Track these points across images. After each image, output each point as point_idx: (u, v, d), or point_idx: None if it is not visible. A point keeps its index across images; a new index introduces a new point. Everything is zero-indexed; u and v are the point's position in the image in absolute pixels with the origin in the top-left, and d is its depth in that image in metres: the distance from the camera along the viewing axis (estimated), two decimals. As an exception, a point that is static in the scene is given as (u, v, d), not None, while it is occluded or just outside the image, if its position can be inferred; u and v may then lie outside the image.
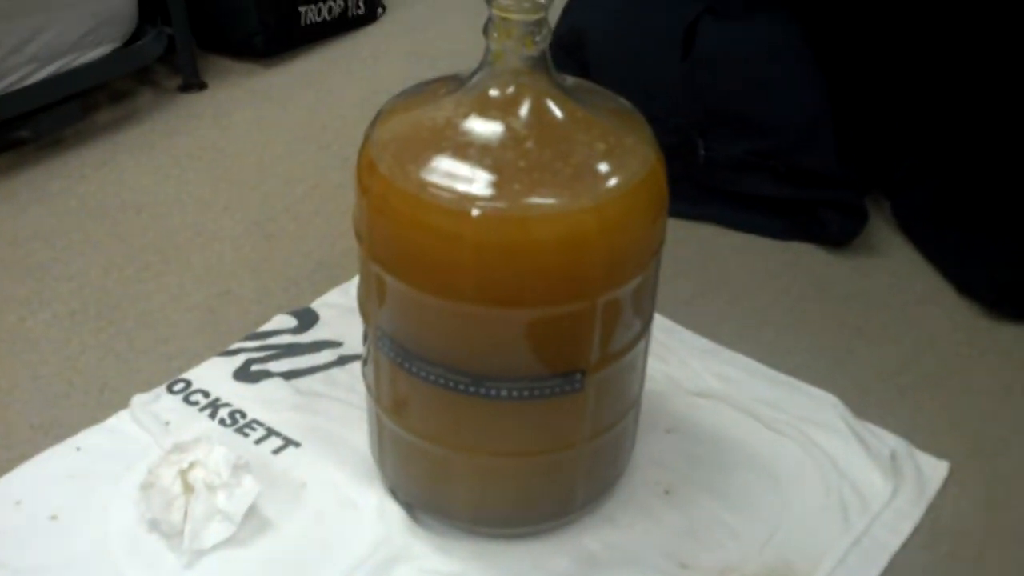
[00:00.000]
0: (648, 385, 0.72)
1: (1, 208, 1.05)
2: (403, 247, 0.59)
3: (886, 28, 1.11)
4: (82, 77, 1.15)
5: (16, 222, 1.03)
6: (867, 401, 0.82)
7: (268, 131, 1.21)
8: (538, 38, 0.57)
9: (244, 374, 0.82)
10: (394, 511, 0.70)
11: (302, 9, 1.37)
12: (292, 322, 0.89)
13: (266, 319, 0.89)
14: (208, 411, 0.79)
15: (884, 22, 1.12)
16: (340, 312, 0.90)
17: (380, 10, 1.51)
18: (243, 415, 0.78)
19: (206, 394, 0.80)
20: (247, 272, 0.96)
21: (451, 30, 1.47)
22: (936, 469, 0.76)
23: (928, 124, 1.08)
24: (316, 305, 0.91)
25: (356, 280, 0.91)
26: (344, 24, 1.44)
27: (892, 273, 0.98)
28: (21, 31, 1.06)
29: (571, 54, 1.10)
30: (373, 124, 0.63)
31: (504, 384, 0.60)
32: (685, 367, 0.84)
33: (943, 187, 1.03)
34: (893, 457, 0.76)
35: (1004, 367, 0.87)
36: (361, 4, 1.45)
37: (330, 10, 1.41)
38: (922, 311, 0.94)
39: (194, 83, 1.29)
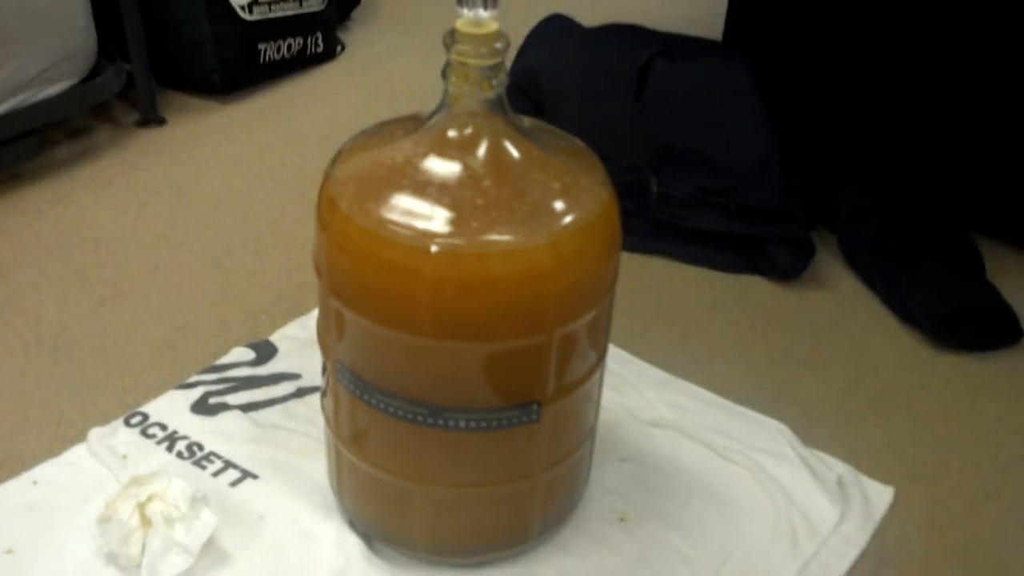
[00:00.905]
0: (603, 415, 0.73)
1: (-44, 243, 1.04)
2: (362, 282, 0.61)
3: (832, 69, 1.15)
4: (41, 112, 1.15)
5: (-28, 257, 1.02)
6: (814, 428, 0.84)
7: (226, 167, 1.22)
8: (495, 82, 0.59)
9: (202, 407, 0.83)
10: (353, 542, 0.71)
11: (261, 47, 1.39)
12: (250, 355, 0.89)
13: (224, 352, 0.89)
14: (166, 444, 0.79)
15: (830, 64, 1.16)
16: (298, 345, 0.90)
17: (339, 48, 1.53)
18: (200, 447, 0.79)
19: (163, 427, 0.81)
20: (205, 305, 0.97)
21: (408, 68, 1.49)
22: (882, 495, 0.78)
23: (872, 161, 1.12)
24: (274, 338, 0.92)
25: (314, 313, 0.92)
26: (303, 61, 1.46)
27: (838, 305, 1.02)
28: (-21, 66, 1.07)
29: (526, 94, 1.13)
30: (333, 162, 0.64)
31: (462, 415, 0.62)
32: (640, 397, 0.86)
33: (886, 222, 1.07)
34: (840, 483, 0.78)
35: (945, 394, 0.90)
36: (320, 42, 1.47)
37: (289, 48, 1.42)
38: (866, 340, 0.97)
39: (152, 119, 1.30)
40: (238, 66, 1.37)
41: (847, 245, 1.08)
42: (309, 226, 0.65)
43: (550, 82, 1.12)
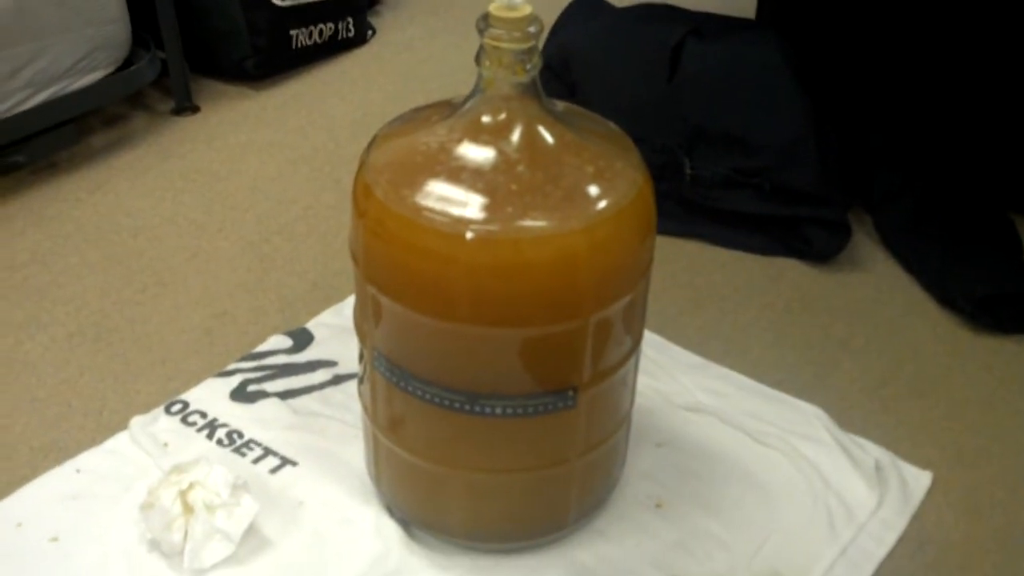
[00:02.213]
0: (639, 401, 0.73)
1: (-3, 232, 1.06)
2: (398, 269, 0.61)
3: (867, 49, 1.13)
4: (77, 102, 1.16)
5: (13, 246, 1.04)
6: (852, 413, 0.83)
7: (261, 153, 1.23)
8: (529, 66, 0.59)
9: (241, 394, 0.84)
10: (391, 528, 0.71)
11: (293, 32, 1.39)
12: (287, 342, 0.90)
13: (261, 339, 0.90)
14: (206, 431, 0.80)
15: (865, 43, 1.14)
16: (334, 332, 0.91)
17: (370, 33, 1.53)
18: (240, 435, 0.80)
19: (203, 415, 0.82)
20: (242, 293, 0.98)
21: (439, 53, 1.49)
22: (920, 479, 0.78)
23: (908, 140, 1.11)
24: (311, 325, 0.92)
25: (350, 300, 0.93)
26: (335, 47, 1.46)
27: (875, 287, 1.00)
28: (16, 58, 1.08)
29: (558, 76, 1.12)
30: (368, 149, 0.64)
31: (498, 402, 0.62)
32: (675, 382, 0.86)
33: (923, 203, 1.06)
34: (878, 468, 0.78)
35: (985, 378, 0.89)
36: (351, 27, 1.47)
37: (321, 33, 1.43)
38: (904, 324, 0.96)
39: (187, 106, 1.31)
40: (271, 52, 1.38)
41: (884, 226, 1.07)
42: (343, 213, 0.65)
43: (582, 63, 1.12)
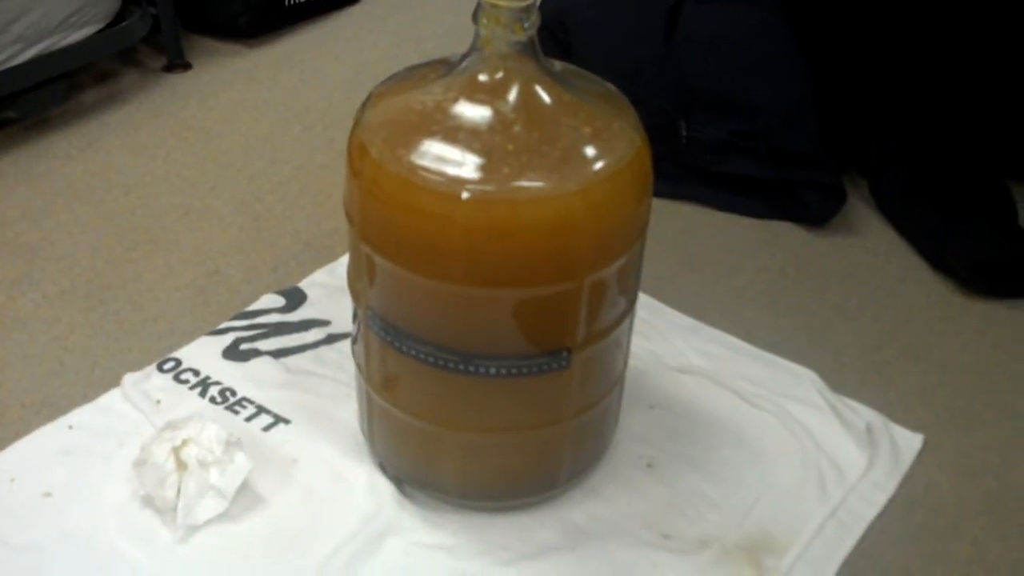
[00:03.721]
0: (632, 362, 0.73)
1: (-12, 189, 1.05)
2: (393, 229, 0.60)
3: (867, 13, 1.12)
4: (67, 58, 1.15)
5: (4, 203, 1.03)
6: (845, 376, 0.84)
7: (253, 111, 1.22)
8: (527, 24, 0.58)
9: (234, 352, 0.84)
10: (384, 486, 0.72)
11: (286, -11, 1.38)
12: (280, 301, 0.90)
13: (254, 298, 0.90)
14: (199, 389, 0.80)
15: (865, 8, 1.13)
16: (327, 291, 0.91)
17: (364, -10, 1.51)
18: (233, 393, 0.80)
19: (196, 372, 0.81)
20: (235, 252, 0.97)
21: (435, 12, 1.47)
22: (911, 441, 0.78)
23: (905, 105, 1.10)
24: (303, 284, 0.92)
25: (342, 260, 0.93)
26: (328, 4, 1.44)
27: (870, 251, 1.00)
28: (7, 12, 1.06)
29: (554, 35, 1.11)
30: (363, 107, 0.63)
31: (492, 362, 0.62)
32: (668, 344, 0.86)
33: (919, 168, 1.05)
34: (869, 430, 0.78)
35: (978, 342, 0.89)
36: (345, -16, 1.45)
37: (314, -10, 1.41)
38: (898, 288, 0.96)
39: (179, 63, 1.29)
40: (264, 9, 1.36)
41: (880, 191, 1.07)
42: (336, 173, 0.65)
43: (578, 22, 1.11)
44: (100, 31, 1.17)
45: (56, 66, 1.14)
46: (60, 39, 1.13)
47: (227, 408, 0.78)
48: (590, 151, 0.60)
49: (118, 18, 1.20)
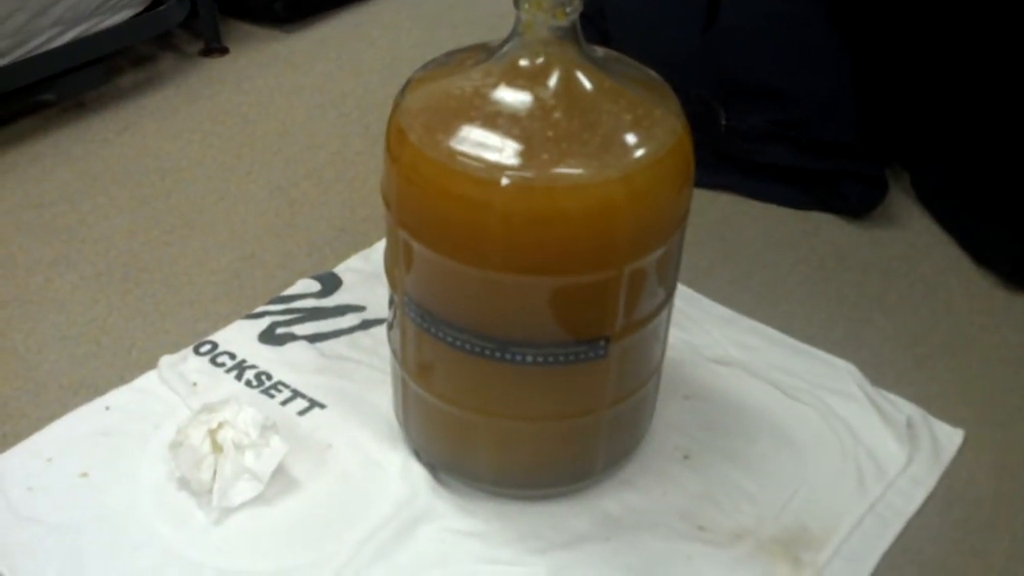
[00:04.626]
0: (669, 352, 0.73)
1: (27, 171, 1.06)
2: (431, 215, 0.60)
3: (911, 3, 1.10)
4: (105, 41, 1.15)
5: (42, 185, 1.04)
6: (884, 370, 0.83)
7: (289, 97, 1.22)
8: (569, 9, 0.58)
9: (269, 337, 0.84)
10: (418, 472, 0.72)
11: (323, -26, 1.37)
12: (316, 286, 0.90)
13: (290, 283, 0.90)
14: (234, 372, 0.80)
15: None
16: (363, 277, 0.91)
17: (400, -25, 1.50)
18: (269, 377, 0.80)
19: (232, 356, 0.82)
20: (271, 236, 0.98)
21: (471, -2, 1.46)
22: (951, 437, 0.77)
23: (949, 97, 1.08)
24: (339, 270, 0.92)
25: (378, 246, 0.93)
26: (364, -11, 1.44)
27: (910, 244, 0.99)
28: (46, -5, 1.07)
29: (592, 23, 1.10)
30: (402, 93, 0.63)
31: (529, 350, 0.62)
32: (705, 335, 0.85)
33: (962, 159, 1.04)
34: (909, 425, 0.77)
35: (1019, 337, 0.88)
36: (382, -31, 1.45)
37: (351, -25, 1.41)
38: (939, 281, 0.94)
39: (216, 48, 1.30)
40: (300, -5, 1.36)
41: (921, 183, 1.05)
42: (372, 158, 0.64)
43: (617, 10, 1.10)
44: (138, 15, 1.18)
45: (94, 49, 1.15)
46: (98, 22, 1.14)
47: (263, 392, 0.78)
48: (631, 138, 0.59)
49: (156, 2, 1.20)
